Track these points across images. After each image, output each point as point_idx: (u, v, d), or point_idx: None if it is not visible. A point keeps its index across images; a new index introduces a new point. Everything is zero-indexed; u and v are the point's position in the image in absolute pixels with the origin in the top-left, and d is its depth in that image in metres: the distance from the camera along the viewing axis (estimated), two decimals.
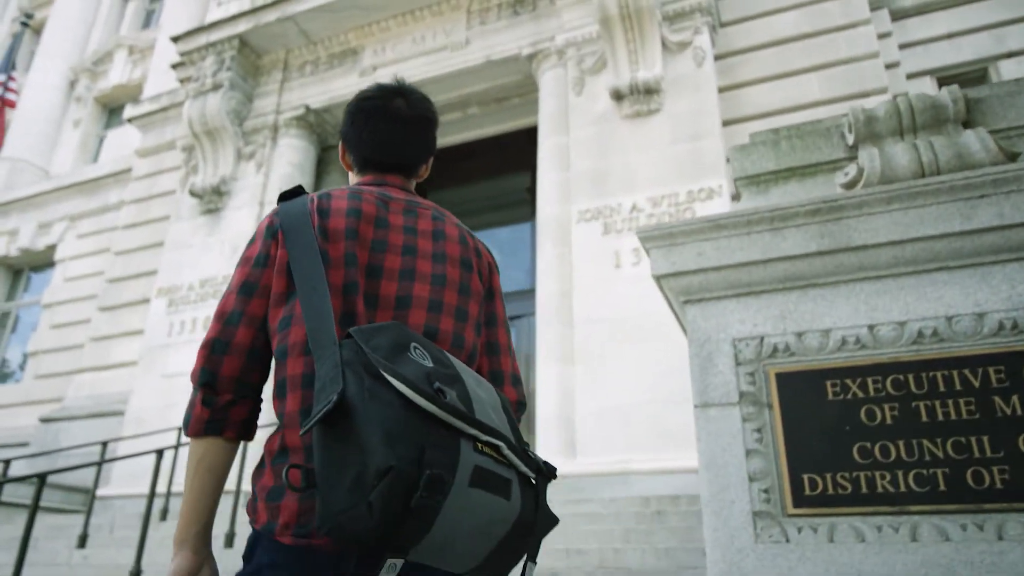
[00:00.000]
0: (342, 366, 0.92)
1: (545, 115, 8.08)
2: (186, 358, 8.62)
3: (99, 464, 5.02)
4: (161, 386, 8.66)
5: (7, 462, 5.98)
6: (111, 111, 15.74)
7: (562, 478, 6.25)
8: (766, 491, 2.07)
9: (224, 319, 1.15)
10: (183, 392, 8.46)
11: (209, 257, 9.19)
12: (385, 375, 0.89)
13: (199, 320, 8.81)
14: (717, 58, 7.93)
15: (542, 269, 7.38)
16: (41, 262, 13.53)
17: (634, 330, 6.67)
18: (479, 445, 0.92)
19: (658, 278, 2.36)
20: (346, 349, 0.94)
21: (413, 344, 0.96)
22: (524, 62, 8.62)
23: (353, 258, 1.12)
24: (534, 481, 1.02)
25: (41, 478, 3.67)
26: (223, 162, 9.61)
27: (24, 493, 8.23)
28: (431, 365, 0.95)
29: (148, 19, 16.57)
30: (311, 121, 9.60)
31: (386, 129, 1.32)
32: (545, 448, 6.65)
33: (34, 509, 3.40)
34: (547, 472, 1.03)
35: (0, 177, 14.78)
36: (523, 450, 1.02)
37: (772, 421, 2.13)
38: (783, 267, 2.21)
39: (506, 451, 0.95)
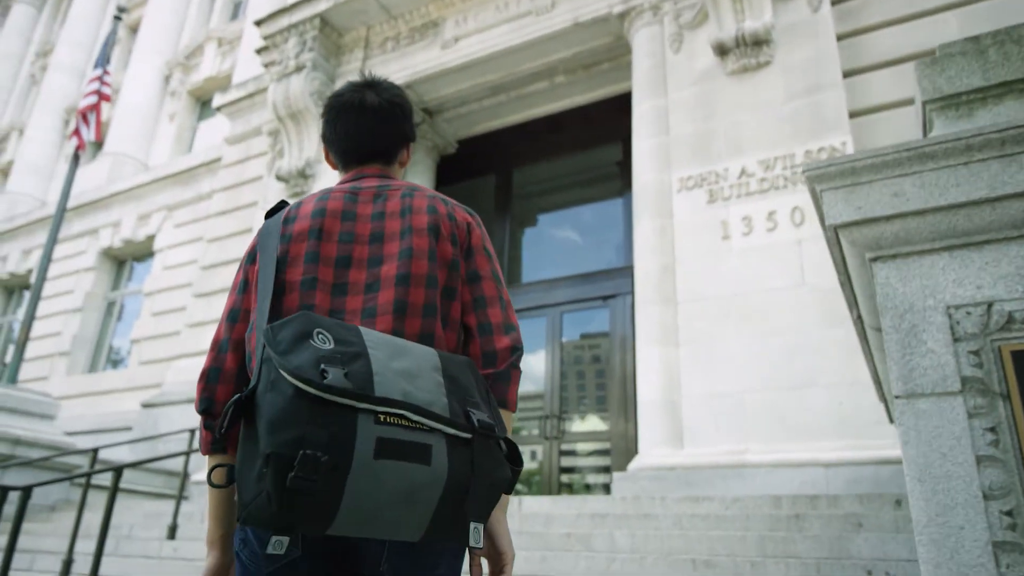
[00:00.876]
0: (260, 363, 1.00)
1: (639, 77, 7.45)
2: None
3: (187, 454, 4.87)
4: None
5: (95, 451, 5.96)
6: (203, 103, 16.11)
7: (669, 470, 5.72)
8: (1009, 513, 1.50)
9: (216, 348, 1.25)
10: None
11: None
12: (276, 366, 0.94)
13: None
14: (834, 2, 7.07)
15: (640, 244, 6.80)
16: (142, 252, 13.98)
17: (746, 308, 6.02)
18: (381, 417, 0.94)
19: (836, 228, 1.80)
20: (266, 347, 1.00)
21: (317, 330, 0.99)
22: (615, 22, 8.00)
23: (314, 255, 1.19)
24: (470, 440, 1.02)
25: (117, 472, 3.50)
26: (308, 144, 9.48)
27: (129, 478, 8.39)
28: (330, 347, 0.97)
29: (236, 11, 16.83)
30: None
31: (357, 121, 1.38)
32: (649, 436, 6.12)
33: (111, 499, 3.21)
34: (483, 430, 1.01)
35: (103, 172, 15.40)
36: (464, 411, 1.02)
37: (1011, 417, 1.55)
38: (1021, 207, 1.61)
39: (416, 417, 0.96)
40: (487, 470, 1.00)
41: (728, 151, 6.61)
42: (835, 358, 5.55)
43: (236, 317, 1.25)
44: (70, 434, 11.91)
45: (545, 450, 8.76)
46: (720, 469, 5.57)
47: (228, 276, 10.15)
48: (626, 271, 8.77)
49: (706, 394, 5.93)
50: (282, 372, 0.93)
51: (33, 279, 15.38)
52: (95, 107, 10.57)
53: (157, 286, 12.65)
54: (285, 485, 0.87)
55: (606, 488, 8.28)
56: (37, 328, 14.29)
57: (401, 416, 0.95)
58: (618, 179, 10.40)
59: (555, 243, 11.12)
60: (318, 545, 1.04)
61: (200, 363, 9.89)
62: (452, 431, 0.98)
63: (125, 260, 14.48)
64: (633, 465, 6.06)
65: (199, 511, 5.56)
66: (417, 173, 9.76)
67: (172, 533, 4.75)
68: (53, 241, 9.24)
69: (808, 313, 5.77)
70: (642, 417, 6.28)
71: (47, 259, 9.19)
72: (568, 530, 3.98)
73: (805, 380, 5.61)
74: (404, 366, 1.01)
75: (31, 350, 14.13)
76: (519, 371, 1.24)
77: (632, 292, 8.50)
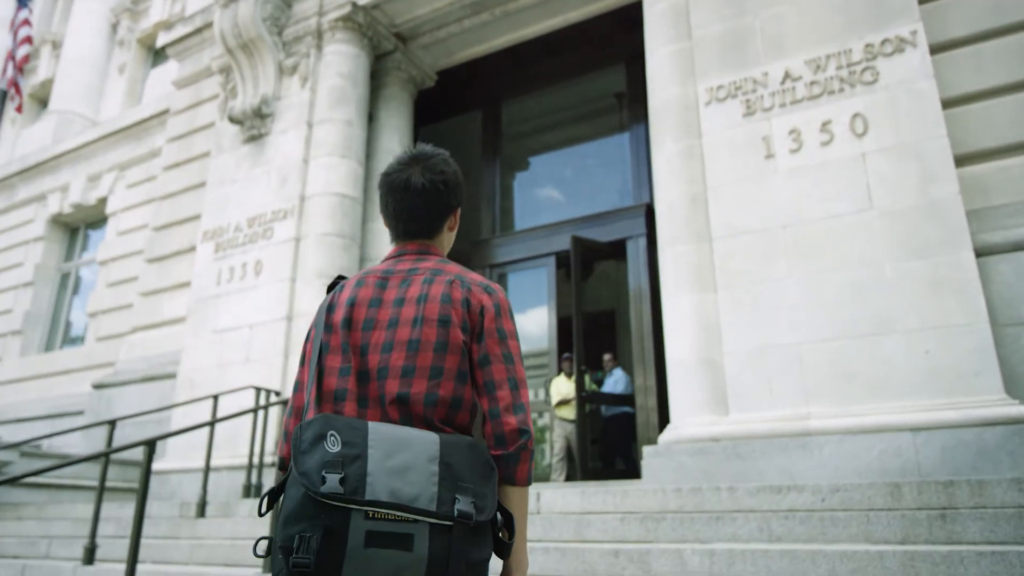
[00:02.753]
0: (291, 459, 1.19)
1: None
2: (238, 310, 7.41)
3: (148, 443, 3.71)
4: (212, 343, 7.50)
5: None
6: (156, 53, 14.59)
7: (712, 442, 4.67)
8: None
9: (287, 412, 1.44)
10: (236, 349, 7.29)
11: (255, 191, 7.86)
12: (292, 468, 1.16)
13: (249, 265, 7.55)
14: None
15: (662, 172, 5.65)
16: (95, 217, 12.67)
17: (800, 241, 4.90)
18: (370, 513, 1.11)
19: None
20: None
21: (330, 432, 1.16)
22: None
23: (345, 345, 1.34)
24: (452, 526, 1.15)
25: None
26: (263, 80, 8.19)
27: (77, 471, 7.30)
28: (336, 450, 1.14)
29: None
30: (360, 22, 7.99)
31: (402, 200, 1.46)
32: (683, 401, 5.05)
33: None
34: (460, 519, 1.13)
35: (48, 131, 13.98)
36: (452, 498, 1.14)
37: None
38: None
39: (400, 513, 1.11)
40: (463, 552, 1.13)
41: (767, 52, 5.41)
42: (916, 297, 4.47)
43: (297, 387, 1.43)
44: (23, 420, 10.80)
45: (552, 418, 7.76)
46: (777, 439, 4.52)
47: (184, 237, 8.93)
48: (636, 211, 7.64)
49: (754, 348, 4.85)
50: (294, 472, 1.14)
51: None
52: (26, 59, 9.17)
53: (111, 253, 11.38)
54: (290, 567, 1.09)
55: (627, 463, 7.28)
56: None
57: (387, 513, 1.12)
58: (620, 112, 9.19)
59: (552, 187, 9.93)
60: None
61: (159, 336, 8.74)
62: (434, 521, 1.12)
63: (78, 227, 13.16)
64: (666, 437, 5.01)
65: (156, 511, 4.48)
66: (392, 111, 8.50)
67: (90, 557, 3.66)
68: None
69: (878, 243, 4.66)
70: (673, 379, 5.21)
71: None
72: (613, 541, 2.94)
73: (878, 325, 4.53)
74: (399, 463, 1.15)
75: None
76: (529, 451, 1.29)
77: (646, 234, 7.39)
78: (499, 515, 1.25)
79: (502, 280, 8.55)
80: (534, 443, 1.33)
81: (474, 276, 1.44)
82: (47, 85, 15.71)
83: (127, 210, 11.56)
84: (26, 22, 8.86)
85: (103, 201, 12.20)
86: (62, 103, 14.43)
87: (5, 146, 15.82)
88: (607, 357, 7.78)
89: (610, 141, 9.39)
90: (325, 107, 7.76)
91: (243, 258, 7.65)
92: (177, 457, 7.24)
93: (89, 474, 7.27)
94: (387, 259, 1.48)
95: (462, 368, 1.31)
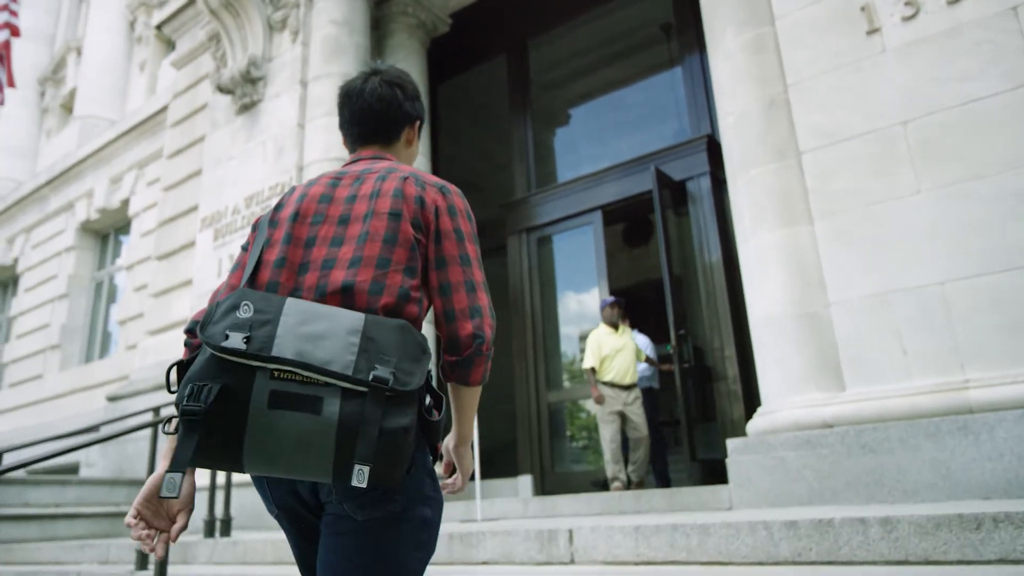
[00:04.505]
0: None
1: None
2: None
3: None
4: None
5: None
6: (171, 44, 13.91)
7: (826, 428, 3.35)
8: None
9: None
10: None
11: (251, 166, 6.89)
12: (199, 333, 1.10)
13: None
14: None
15: (723, 75, 4.30)
16: (122, 221, 12.09)
17: (929, 141, 3.49)
18: (275, 373, 1.05)
19: None
20: None
21: (244, 303, 1.11)
22: None
23: (288, 237, 1.27)
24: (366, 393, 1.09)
25: None
26: (252, 40, 7.18)
27: (77, 497, 6.54)
28: (247, 316, 1.09)
29: None
30: None
31: (357, 103, 1.44)
32: (777, 377, 3.74)
33: None
34: (375, 383, 1.06)
35: (73, 137, 13.52)
36: (370, 367, 1.08)
37: None
38: None
39: (307, 373, 1.05)
40: (376, 417, 1.05)
41: None
42: None
43: (235, 270, 1.35)
44: (54, 439, 10.30)
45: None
46: (922, 421, 3.16)
47: (188, 229, 8.07)
48: (695, 145, 6.26)
49: (873, 295, 3.48)
50: (200, 336, 1.08)
51: (19, 269, 13.86)
52: (5, 45, 8.47)
53: (136, 256, 10.72)
54: (180, 415, 1.03)
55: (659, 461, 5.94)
56: (26, 322, 12.74)
57: (294, 372, 1.05)
58: (668, 43, 7.78)
59: (595, 140, 8.60)
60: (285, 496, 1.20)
61: (169, 339, 7.92)
62: (346, 385, 1.06)
63: (107, 233, 12.63)
64: (758, 424, 3.72)
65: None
66: (399, 63, 7.34)
67: None
68: None
69: None
70: (760, 344, 3.90)
71: None
72: None
73: None
74: (313, 330, 1.10)
75: (22, 347, 12.61)
76: (483, 356, 1.23)
77: (710, 171, 6.01)
78: (429, 397, 1.18)
79: (545, 244, 7.32)
80: (492, 346, 1.24)
81: (431, 176, 1.36)
82: (74, 93, 15.32)
83: (147, 209, 10.87)
84: (4, 7, 8.12)
85: (126, 203, 11.58)
86: (86, 107, 13.96)
87: (42, 159, 15.59)
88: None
89: (659, 80, 7.98)
90: (319, 61, 6.68)
91: (242, 243, 6.68)
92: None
93: (91, 499, 6.49)
94: (344, 165, 1.45)
95: (411, 263, 1.24)
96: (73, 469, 8.97)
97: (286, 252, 1.25)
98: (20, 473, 8.18)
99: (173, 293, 8.03)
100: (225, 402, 1.02)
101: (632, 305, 6.63)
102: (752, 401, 4.48)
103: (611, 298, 6.01)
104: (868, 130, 3.66)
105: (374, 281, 1.20)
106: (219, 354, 1.04)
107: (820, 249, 3.68)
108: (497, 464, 6.92)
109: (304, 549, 1.25)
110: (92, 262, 12.57)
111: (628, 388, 5.66)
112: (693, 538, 2.29)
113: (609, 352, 5.76)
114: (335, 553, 1.14)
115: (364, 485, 1.01)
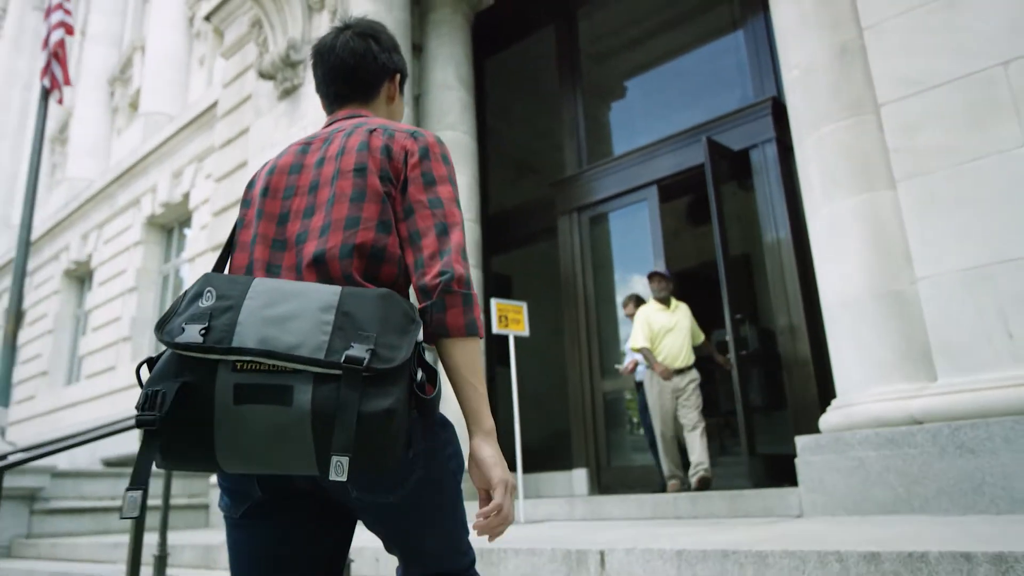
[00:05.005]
0: None
1: None
2: None
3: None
4: None
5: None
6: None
7: (914, 425, 2.88)
8: None
9: None
10: None
11: None
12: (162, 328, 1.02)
13: None
14: None
15: (787, 22, 3.80)
16: (184, 215, 12.30)
17: None
18: (237, 365, 0.95)
19: None
20: None
21: (207, 290, 1.02)
22: None
23: (259, 213, 1.18)
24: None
25: None
26: (291, 22, 7.00)
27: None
28: (208, 305, 1.00)
29: None
30: None
31: (330, 58, 1.32)
32: (855, 365, 3.26)
33: None
34: (348, 363, 0.95)
35: (137, 134, 13.85)
36: (344, 349, 0.97)
37: None
38: None
39: (272, 361, 0.95)
40: (352, 402, 0.94)
41: None
42: None
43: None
44: (116, 433, 10.59)
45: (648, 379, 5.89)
46: None
47: None
48: (760, 109, 5.69)
49: (970, 268, 2.95)
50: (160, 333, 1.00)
51: (93, 264, 14.35)
52: (61, 44, 8.60)
53: (197, 249, 10.85)
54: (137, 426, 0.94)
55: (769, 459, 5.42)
56: (100, 315, 13.17)
57: (258, 362, 0.95)
58: (731, 3, 7.18)
59: (652, 113, 8.07)
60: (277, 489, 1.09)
61: None
62: (317, 370, 0.95)
63: (172, 227, 12.89)
64: (833, 419, 3.25)
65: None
66: (443, 39, 7.04)
67: None
68: (24, 256, 7.56)
69: None
70: (833, 327, 3.42)
71: (20, 276, 7.47)
72: None
73: None
74: (280, 311, 1.00)
75: (97, 339, 13.04)
76: (456, 294, 1.07)
77: (776, 137, 5.46)
78: (422, 372, 1.05)
79: (598, 223, 6.88)
80: (466, 284, 1.07)
81: (401, 125, 1.23)
82: (140, 91, 15.72)
83: (205, 203, 10.99)
84: (59, 6, 8.22)
85: (187, 196, 11.75)
86: (149, 104, 14.28)
87: (113, 158, 16.09)
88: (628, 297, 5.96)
89: (721, 45, 7.39)
90: None
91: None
92: None
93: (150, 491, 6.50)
94: (322, 128, 1.33)
95: (384, 218, 1.13)
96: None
97: (259, 229, 1.16)
98: (84, 464, 8.37)
99: None
100: (187, 403, 0.93)
101: (695, 286, 6.15)
102: (827, 392, 3.98)
103: (654, 270, 5.56)
104: (961, 74, 3.11)
105: (343, 244, 1.10)
106: (177, 351, 0.95)
107: (904, 217, 3.16)
108: (556, 455, 6.59)
109: (284, 534, 1.11)
110: (159, 256, 12.86)
111: (682, 372, 5.17)
112: (748, 568, 1.89)
113: (658, 330, 5.28)
114: (382, 524, 1.08)
115: (343, 478, 0.91)
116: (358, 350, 0.96)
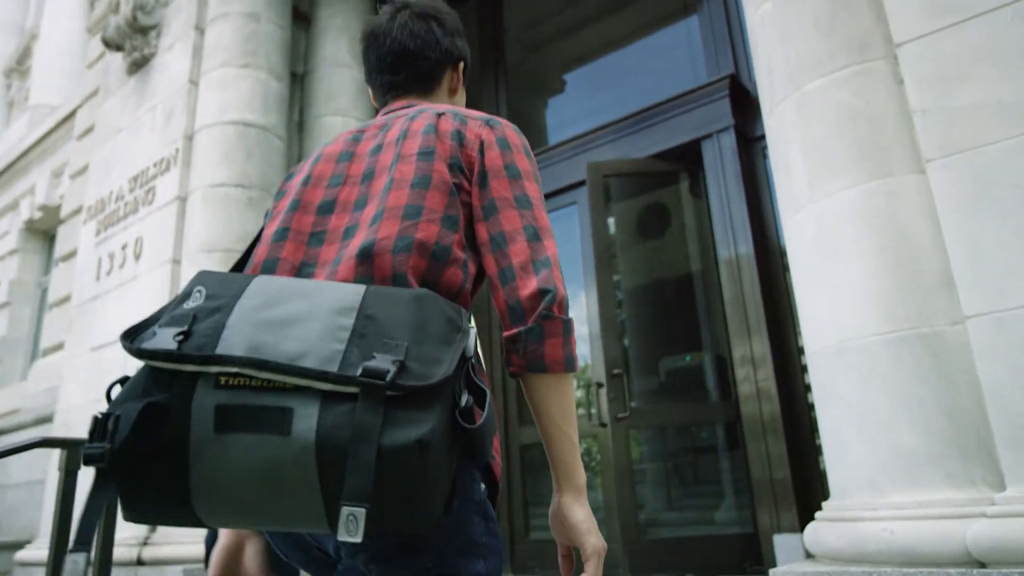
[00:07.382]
0: None
1: None
2: (118, 313, 4.90)
3: None
4: (89, 367, 5.05)
5: None
6: None
7: (976, 572, 1.60)
8: None
9: None
10: (115, 373, 4.77)
11: (139, 139, 5.34)
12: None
13: (129, 246, 5.02)
14: None
15: None
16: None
17: None
18: (221, 380, 0.71)
19: None
20: None
21: (197, 289, 0.84)
22: None
23: (295, 203, 1.01)
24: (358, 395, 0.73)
25: None
26: None
27: None
28: (195, 305, 0.80)
29: None
30: None
31: (385, 44, 1.15)
32: (859, 456, 2.03)
33: None
34: (367, 377, 0.69)
35: (22, 129, 12.23)
36: (364, 357, 0.72)
37: None
38: None
39: (264, 374, 0.70)
40: (372, 431, 0.67)
41: None
42: None
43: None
44: None
45: (604, 443, 4.64)
46: None
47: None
48: (714, 90, 4.51)
49: None
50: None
51: None
52: None
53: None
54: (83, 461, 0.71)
55: None
56: None
57: (247, 376, 0.71)
58: None
59: (592, 110, 6.90)
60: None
61: (58, 357, 6.42)
62: (327, 386, 0.70)
63: (53, 233, 11.26)
64: (825, 538, 2.02)
65: None
66: (336, 7, 5.74)
67: None
68: None
69: None
70: (822, 389, 2.21)
71: None
72: None
73: None
74: (283, 313, 0.77)
75: None
76: (557, 320, 0.87)
77: (735, 125, 4.30)
78: (468, 394, 0.76)
79: None
80: (567, 309, 0.88)
81: (474, 111, 1.06)
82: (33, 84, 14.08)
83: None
84: None
85: (64, 199, 10.19)
86: (39, 96, 12.69)
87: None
88: None
89: (669, 33, 6.26)
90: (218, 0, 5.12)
91: (123, 237, 5.14)
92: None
93: None
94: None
95: (451, 212, 0.93)
96: None
97: (290, 221, 0.97)
98: None
99: (67, 304, 6.53)
100: (153, 431, 0.68)
101: (644, 309, 4.96)
102: (806, 482, 2.77)
103: None
104: (985, 13, 1.96)
105: (400, 236, 0.88)
106: (146, 361, 0.73)
107: (941, 217, 1.98)
108: None
109: None
110: (37, 266, 11.23)
111: None
112: None
113: None
114: None
115: (357, 538, 0.65)
116: (382, 361, 0.71)
